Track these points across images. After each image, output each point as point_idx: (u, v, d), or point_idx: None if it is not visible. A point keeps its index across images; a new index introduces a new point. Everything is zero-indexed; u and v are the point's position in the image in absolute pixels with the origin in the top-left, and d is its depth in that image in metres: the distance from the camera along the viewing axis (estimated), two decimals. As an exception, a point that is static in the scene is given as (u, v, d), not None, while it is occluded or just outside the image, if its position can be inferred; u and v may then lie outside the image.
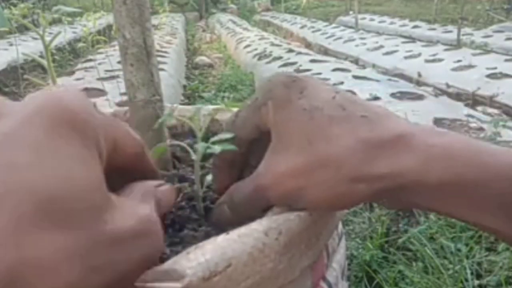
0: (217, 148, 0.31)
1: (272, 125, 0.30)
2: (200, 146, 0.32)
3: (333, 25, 5.71)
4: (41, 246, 0.17)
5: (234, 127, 0.33)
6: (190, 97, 2.64)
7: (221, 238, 0.26)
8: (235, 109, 0.34)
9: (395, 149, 0.26)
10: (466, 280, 0.89)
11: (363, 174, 0.26)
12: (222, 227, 0.32)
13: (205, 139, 0.33)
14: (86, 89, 2.25)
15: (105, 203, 0.20)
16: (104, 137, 0.22)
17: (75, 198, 0.18)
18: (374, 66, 3.26)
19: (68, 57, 3.79)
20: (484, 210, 0.25)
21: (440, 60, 3.03)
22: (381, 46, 3.74)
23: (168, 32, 4.66)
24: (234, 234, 0.26)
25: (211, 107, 0.46)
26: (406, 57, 3.25)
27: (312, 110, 0.28)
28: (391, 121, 0.28)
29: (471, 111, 1.97)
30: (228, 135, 0.32)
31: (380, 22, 5.41)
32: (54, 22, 4.07)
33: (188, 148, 0.34)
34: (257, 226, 0.27)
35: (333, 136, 0.27)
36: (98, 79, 2.19)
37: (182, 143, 0.35)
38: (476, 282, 0.90)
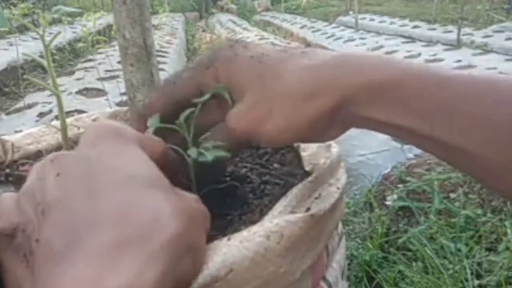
0: (209, 155, 0.31)
1: (224, 81, 0.33)
2: (192, 152, 0.31)
3: (333, 25, 5.70)
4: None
5: (174, 86, 0.36)
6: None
7: (223, 244, 0.26)
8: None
9: (331, 68, 0.31)
10: (466, 280, 0.89)
11: (311, 93, 0.30)
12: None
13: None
14: (86, 89, 2.25)
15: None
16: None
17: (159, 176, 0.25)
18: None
19: (68, 57, 3.79)
20: (403, 107, 0.29)
21: (440, 60, 3.03)
22: (381, 46, 3.74)
23: (168, 32, 4.65)
24: (236, 239, 0.26)
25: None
26: (406, 57, 3.24)
27: (259, 56, 0.33)
28: (324, 52, 0.33)
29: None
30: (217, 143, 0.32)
31: (380, 22, 5.40)
32: (54, 22, 4.07)
33: (182, 152, 0.33)
34: (258, 230, 0.26)
35: (282, 71, 0.32)
36: (98, 79, 2.19)
37: (175, 147, 0.34)
38: (476, 282, 0.90)
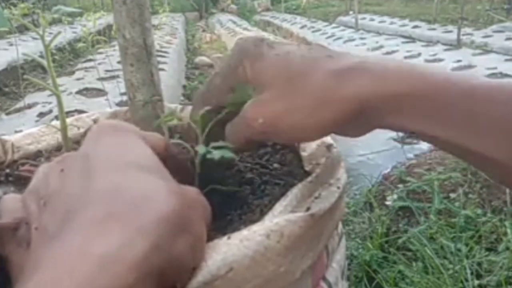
0: (216, 154, 0.31)
1: (251, 79, 0.33)
2: (200, 149, 0.32)
3: (333, 25, 5.71)
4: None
5: (209, 94, 0.36)
6: (190, 97, 2.64)
7: (223, 242, 0.26)
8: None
9: (357, 74, 0.30)
10: (466, 280, 0.89)
11: (335, 97, 0.30)
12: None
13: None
14: (86, 89, 2.25)
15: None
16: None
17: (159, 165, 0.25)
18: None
19: (68, 57, 3.79)
20: (433, 118, 0.29)
21: (440, 60, 3.03)
22: (381, 46, 3.74)
23: (168, 32, 4.65)
24: (236, 238, 0.26)
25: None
26: (406, 57, 3.24)
27: (284, 54, 0.33)
28: (350, 56, 0.33)
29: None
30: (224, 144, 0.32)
31: (380, 22, 5.40)
32: (54, 22, 4.06)
33: (189, 148, 0.33)
34: (258, 229, 0.26)
35: (307, 71, 0.31)
36: (98, 79, 2.19)
37: (183, 142, 0.34)
38: (476, 282, 0.90)
